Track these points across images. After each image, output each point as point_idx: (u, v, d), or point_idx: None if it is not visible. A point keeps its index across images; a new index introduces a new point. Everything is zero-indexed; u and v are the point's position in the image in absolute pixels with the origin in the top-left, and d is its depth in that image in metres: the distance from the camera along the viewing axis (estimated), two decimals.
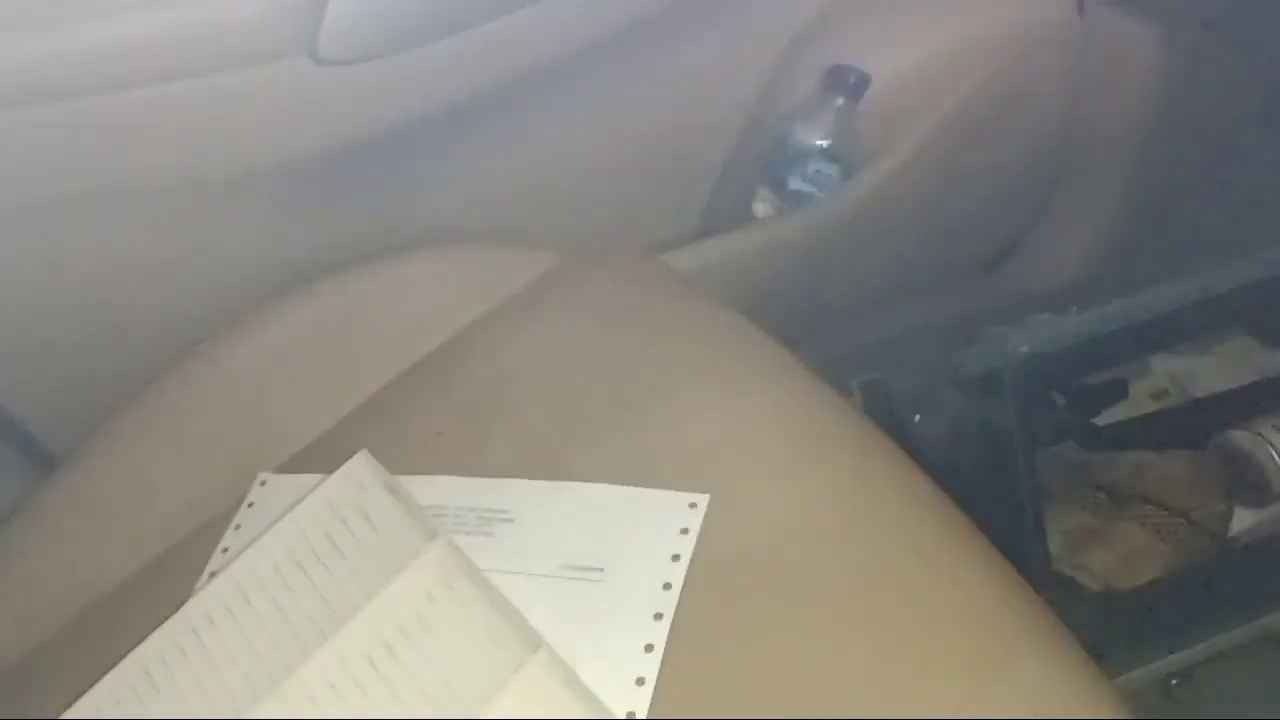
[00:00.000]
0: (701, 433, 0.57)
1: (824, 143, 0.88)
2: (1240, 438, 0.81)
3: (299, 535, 0.56)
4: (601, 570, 0.52)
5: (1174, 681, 0.74)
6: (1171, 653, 0.73)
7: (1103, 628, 0.74)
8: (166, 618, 0.53)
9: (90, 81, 0.64)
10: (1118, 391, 0.86)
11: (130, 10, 0.63)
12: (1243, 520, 0.81)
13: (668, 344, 0.63)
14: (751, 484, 0.54)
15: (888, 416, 0.81)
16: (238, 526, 0.60)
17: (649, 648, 0.49)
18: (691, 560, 0.51)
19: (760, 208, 0.92)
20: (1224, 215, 1.04)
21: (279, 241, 0.76)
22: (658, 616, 0.49)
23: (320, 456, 0.62)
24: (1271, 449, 0.80)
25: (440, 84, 0.72)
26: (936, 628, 0.48)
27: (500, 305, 0.68)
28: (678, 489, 0.54)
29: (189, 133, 0.68)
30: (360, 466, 0.57)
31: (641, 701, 0.47)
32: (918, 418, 0.78)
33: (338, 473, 0.57)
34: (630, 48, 0.78)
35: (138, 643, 0.53)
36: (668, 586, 0.51)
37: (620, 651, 0.49)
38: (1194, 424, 0.84)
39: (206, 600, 0.54)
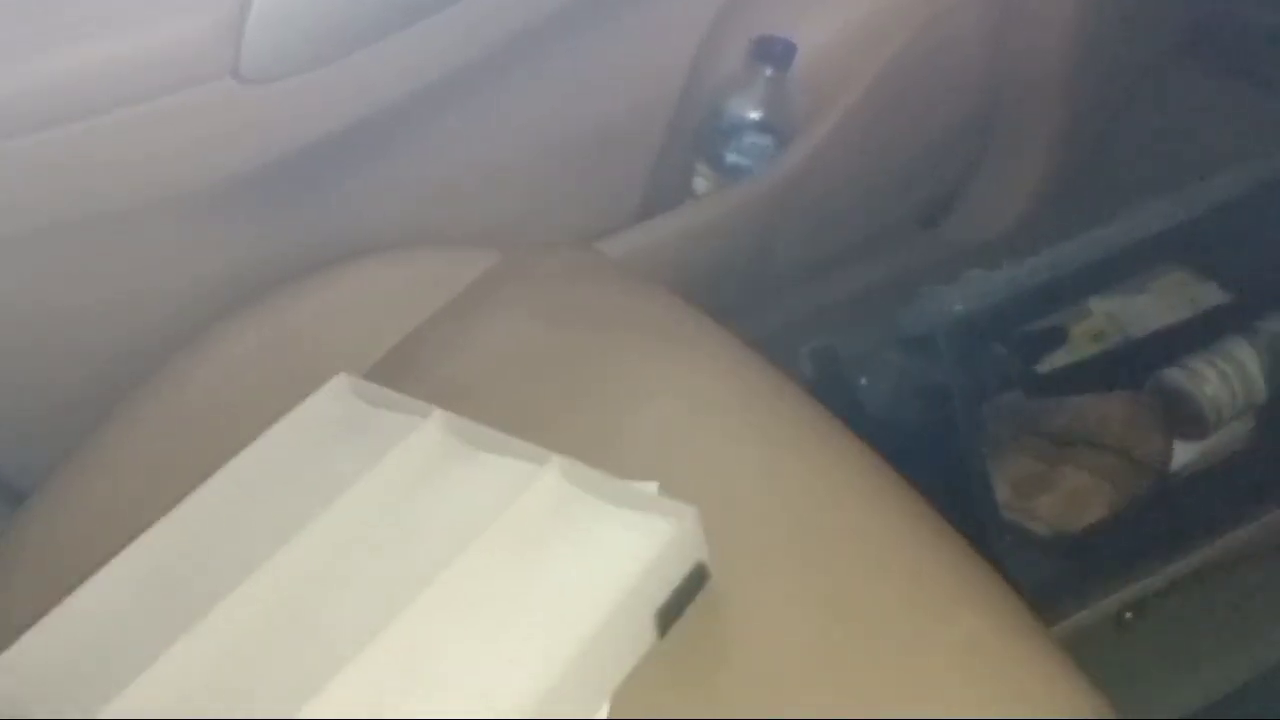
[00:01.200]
0: (645, 420, 0.59)
1: (756, 115, 0.90)
2: (1174, 375, 0.84)
3: (290, 434, 0.59)
4: None
5: (1127, 614, 0.77)
6: (1122, 588, 0.76)
7: (1054, 570, 0.77)
8: None
9: (25, 120, 0.65)
10: (1057, 337, 0.89)
11: (56, 47, 0.64)
12: (1183, 454, 0.83)
13: (607, 334, 0.64)
14: (697, 466, 0.56)
15: (837, 381, 0.83)
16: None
17: None
18: None
19: (700, 184, 0.93)
20: (1154, 151, 1.06)
21: (224, 261, 0.76)
22: None
23: None
24: (1205, 384, 0.82)
25: (367, 92, 0.72)
26: (876, 588, 0.50)
27: (445, 307, 0.69)
28: (627, 477, 0.56)
29: (126, 162, 0.69)
30: (339, 383, 0.61)
31: None
32: (864, 380, 0.80)
33: (314, 395, 0.61)
34: (555, 38, 0.79)
35: None
36: None
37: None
38: (1132, 364, 0.87)
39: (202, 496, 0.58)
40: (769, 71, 0.89)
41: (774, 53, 0.88)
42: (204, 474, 0.65)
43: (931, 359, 0.74)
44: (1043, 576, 0.74)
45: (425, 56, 0.74)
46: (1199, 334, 0.87)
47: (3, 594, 0.67)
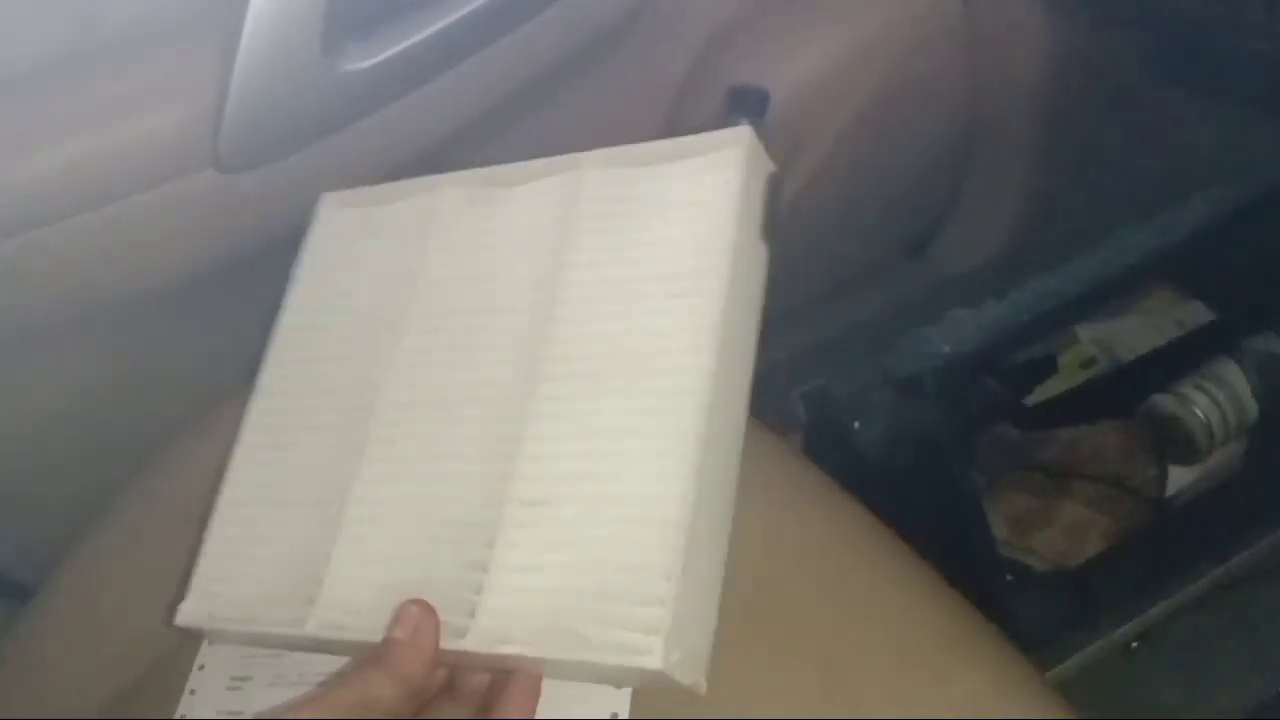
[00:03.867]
0: None
1: None
2: (1164, 401, 0.84)
3: (325, 259, 0.61)
4: None
5: (1134, 644, 0.77)
6: (1127, 618, 0.76)
7: (1056, 606, 0.76)
8: None
9: (11, 222, 0.65)
10: (1046, 367, 0.89)
11: (38, 148, 0.65)
12: (1179, 479, 0.83)
13: None
14: None
15: (830, 424, 0.83)
16: (211, 641, 0.61)
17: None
18: None
19: None
20: (1136, 171, 1.07)
21: (217, 346, 0.77)
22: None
23: None
24: (1195, 408, 0.82)
25: (344, 174, 0.73)
26: (873, 649, 0.50)
27: None
28: None
29: (113, 257, 0.69)
30: (328, 205, 0.63)
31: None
32: (857, 424, 0.80)
33: (313, 229, 0.63)
34: (528, 103, 0.80)
35: None
36: None
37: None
38: (1122, 391, 0.87)
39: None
40: (744, 121, 0.89)
41: (748, 102, 0.88)
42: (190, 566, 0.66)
43: (921, 401, 0.74)
44: (1047, 613, 0.74)
45: (397, 138, 0.74)
46: (1187, 355, 0.87)
47: (10, 689, 0.67)
